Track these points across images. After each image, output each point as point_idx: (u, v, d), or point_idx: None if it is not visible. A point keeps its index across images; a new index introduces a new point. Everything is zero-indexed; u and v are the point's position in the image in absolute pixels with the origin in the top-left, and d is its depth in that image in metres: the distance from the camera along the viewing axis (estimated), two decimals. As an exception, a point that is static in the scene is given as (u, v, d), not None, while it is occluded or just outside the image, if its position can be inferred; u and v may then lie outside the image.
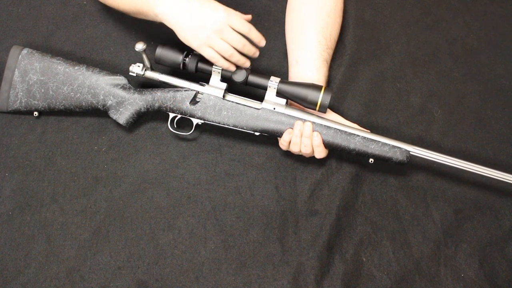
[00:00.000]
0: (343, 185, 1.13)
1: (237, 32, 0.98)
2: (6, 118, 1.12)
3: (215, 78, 1.05)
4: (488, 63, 1.24)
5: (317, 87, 1.01)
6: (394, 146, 1.04)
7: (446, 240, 1.14)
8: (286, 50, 1.18)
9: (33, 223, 1.09)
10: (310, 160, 1.11)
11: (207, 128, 1.15)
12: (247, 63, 1.02)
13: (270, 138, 1.11)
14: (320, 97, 1.00)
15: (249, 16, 1.02)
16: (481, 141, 1.19)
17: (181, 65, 1.04)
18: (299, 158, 1.12)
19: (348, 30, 1.21)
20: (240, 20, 0.98)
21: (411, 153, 1.04)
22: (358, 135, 1.04)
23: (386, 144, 1.04)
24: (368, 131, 1.06)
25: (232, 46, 0.99)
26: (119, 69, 1.15)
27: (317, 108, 1.01)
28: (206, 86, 1.07)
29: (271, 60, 1.20)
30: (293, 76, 1.11)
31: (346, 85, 1.19)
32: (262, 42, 1.02)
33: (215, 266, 1.09)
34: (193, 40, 0.98)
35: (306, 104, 1.02)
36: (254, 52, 1.02)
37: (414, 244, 1.13)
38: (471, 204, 1.16)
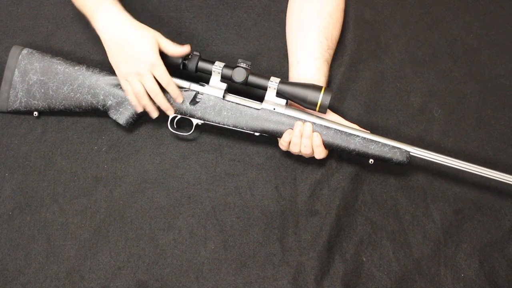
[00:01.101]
0: (343, 185, 1.13)
1: (156, 81, 1.02)
2: (6, 118, 1.13)
3: (215, 78, 1.05)
4: (488, 63, 1.24)
5: (317, 88, 1.01)
6: (394, 147, 1.04)
7: (446, 240, 1.14)
8: (286, 50, 1.18)
9: (33, 223, 1.09)
10: (310, 160, 1.11)
11: (207, 128, 1.15)
12: (153, 113, 1.06)
13: (270, 138, 1.11)
14: (320, 98, 1.00)
15: (186, 48, 1.03)
16: (481, 141, 1.19)
17: (181, 65, 1.04)
18: (299, 158, 1.12)
19: (348, 30, 1.21)
20: (163, 74, 1.01)
21: (411, 153, 1.04)
22: (358, 136, 1.04)
23: (386, 144, 1.04)
24: (368, 131, 1.06)
25: (145, 92, 1.02)
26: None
27: (317, 109, 1.01)
28: (206, 86, 1.07)
29: (271, 60, 1.20)
30: (294, 76, 1.11)
31: (346, 85, 1.19)
32: (178, 99, 1.05)
33: (215, 266, 1.09)
34: (116, 68, 1.03)
35: (306, 105, 1.02)
36: (166, 108, 1.05)
37: (414, 244, 1.13)
38: (471, 204, 1.16)
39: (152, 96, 1.03)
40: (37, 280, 1.06)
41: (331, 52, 1.14)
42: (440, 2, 1.27)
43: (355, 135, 1.04)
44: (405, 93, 1.21)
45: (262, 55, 1.20)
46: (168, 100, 1.05)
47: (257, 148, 1.15)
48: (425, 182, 1.16)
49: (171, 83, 1.03)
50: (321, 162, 1.12)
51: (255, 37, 1.21)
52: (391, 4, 1.26)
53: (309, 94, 1.01)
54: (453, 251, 1.13)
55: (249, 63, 1.03)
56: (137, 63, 0.99)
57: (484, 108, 1.21)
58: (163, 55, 1.02)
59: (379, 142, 1.04)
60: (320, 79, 1.09)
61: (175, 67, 1.04)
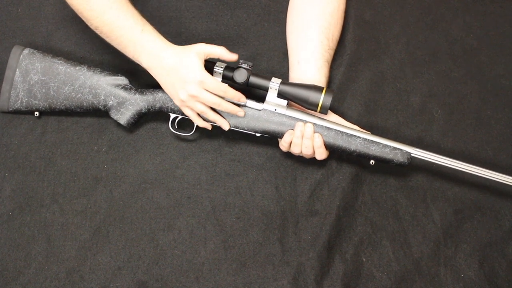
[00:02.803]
0: (343, 185, 1.13)
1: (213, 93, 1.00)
2: (6, 118, 1.12)
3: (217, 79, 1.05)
4: (488, 63, 1.24)
5: (318, 89, 1.01)
6: (395, 148, 1.04)
7: (446, 240, 1.14)
8: (286, 50, 1.18)
9: (33, 223, 1.09)
10: (310, 161, 1.11)
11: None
12: (225, 125, 1.05)
13: (271, 138, 1.11)
14: (321, 99, 1.00)
15: (235, 56, 1.01)
16: (481, 141, 1.19)
17: None
18: (299, 159, 1.12)
19: (348, 30, 1.21)
20: (214, 86, 0.99)
21: (412, 154, 1.04)
22: (359, 137, 1.04)
23: (387, 145, 1.04)
24: (369, 132, 1.06)
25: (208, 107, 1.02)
26: (119, 69, 1.15)
27: (318, 110, 1.01)
28: None
29: (271, 60, 1.20)
30: (294, 76, 1.11)
31: (346, 85, 1.19)
32: (242, 99, 1.03)
33: (215, 267, 1.09)
34: (172, 99, 1.03)
35: (307, 106, 1.02)
36: (235, 111, 1.03)
37: (414, 244, 1.13)
38: (471, 204, 1.16)
39: (216, 108, 1.02)
40: (37, 280, 1.06)
41: (332, 52, 1.14)
42: (440, 2, 1.27)
43: (356, 136, 1.04)
44: (405, 93, 1.21)
45: (262, 55, 1.20)
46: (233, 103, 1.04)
47: (257, 149, 1.15)
48: (425, 182, 1.16)
49: (227, 89, 1.01)
50: (321, 163, 1.12)
51: (255, 37, 1.21)
52: (391, 4, 1.26)
53: (311, 95, 1.01)
54: (453, 251, 1.13)
55: (250, 63, 1.03)
56: (186, 86, 0.98)
57: (484, 108, 1.21)
58: None
59: (380, 143, 1.04)
60: (320, 79, 1.09)
61: None
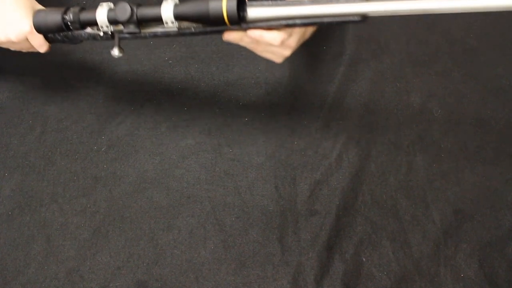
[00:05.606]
0: (342, 185, 1.13)
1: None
2: (6, 117, 1.13)
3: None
4: (488, 63, 1.24)
5: None
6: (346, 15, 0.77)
7: (446, 240, 1.14)
8: (286, 50, 1.18)
9: (32, 223, 1.09)
10: (310, 160, 1.11)
11: (207, 128, 1.15)
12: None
13: (271, 138, 1.11)
14: (224, 6, 0.77)
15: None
16: (481, 141, 1.19)
17: (64, 25, 0.89)
18: (299, 158, 1.12)
19: (348, 30, 1.21)
20: (39, 43, 0.97)
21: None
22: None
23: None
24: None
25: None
26: (119, 69, 1.15)
27: (227, 22, 0.79)
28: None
29: (271, 60, 1.19)
30: None
31: (346, 85, 1.19)
32: (42, 48, 1.00)
33: (214, 266, 1.09)
34: None
35: (212, 23, 0.82)
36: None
37: (414, 244, 1.13)
38: (471, 204, 1.16)
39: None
40: (36, 280, 1.06)
41: None
42: (440, 2, 1.27)
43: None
44: (405, 93, 1.21)
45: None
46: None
47: (256, 148, 1.15)
48: (425, 182, 1.16)
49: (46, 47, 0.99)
50: (321, 162, 1.12)
51: (255, 37, 1.20)
52: (391, 4, 1.26)
53: (210, 7, 0.78)
54: (453, 251, 1.13)
55: None
56: (16, 31, 0.95)
57: (484, 108, 1.21)
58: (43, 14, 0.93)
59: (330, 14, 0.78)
60: None
61: (60, 30, 0.91)
